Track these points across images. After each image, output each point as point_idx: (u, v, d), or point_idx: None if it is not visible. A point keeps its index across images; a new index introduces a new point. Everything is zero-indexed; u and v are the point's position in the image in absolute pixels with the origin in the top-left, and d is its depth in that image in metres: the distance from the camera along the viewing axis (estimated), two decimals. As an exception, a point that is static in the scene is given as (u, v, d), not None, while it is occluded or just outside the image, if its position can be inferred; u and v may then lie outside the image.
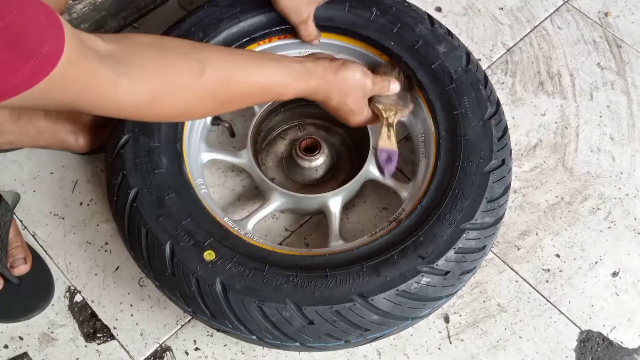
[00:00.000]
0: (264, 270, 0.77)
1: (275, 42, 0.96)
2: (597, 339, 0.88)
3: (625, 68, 1.10)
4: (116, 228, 0.87)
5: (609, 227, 0.96)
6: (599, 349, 0.88)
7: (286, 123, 1.03)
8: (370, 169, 0.91)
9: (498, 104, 0.90)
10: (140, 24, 1.16)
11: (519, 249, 0.94)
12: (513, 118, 1.05)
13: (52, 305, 0.90)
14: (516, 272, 0.93)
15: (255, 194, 0.99)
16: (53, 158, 1.02)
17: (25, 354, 0.87)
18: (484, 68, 1.10)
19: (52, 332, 0.89)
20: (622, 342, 0.88)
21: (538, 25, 1.16)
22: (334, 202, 0.91)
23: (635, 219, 0.97)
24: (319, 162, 0.96)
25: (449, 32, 0.95)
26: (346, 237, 0.90)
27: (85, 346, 0.88)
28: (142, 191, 0.82)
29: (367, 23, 0.94)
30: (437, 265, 0.78)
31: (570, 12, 1.17)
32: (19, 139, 0.96)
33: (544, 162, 1.02)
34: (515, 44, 1.13)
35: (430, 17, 0.96)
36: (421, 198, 0.84)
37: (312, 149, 0.96)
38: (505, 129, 0.88)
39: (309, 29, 0.92)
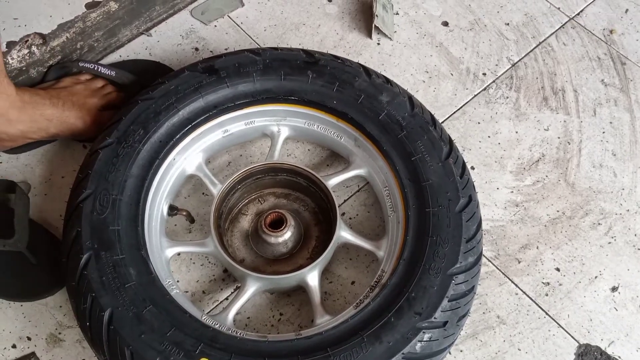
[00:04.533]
0: None
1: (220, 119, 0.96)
2: (595, 353, 0.89)
3: (629, 85, 1.12)
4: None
5: (609, 243, 0.97)
6: (596, 363, 0.89)
7: (245, 198, 1.00)
8: (342, 234, 0.90)
9: (451, 142, 0.90)
10: (153, 32, 1.18)
11: (519, 262, 0.96)
12: (517, 132, 1.07)
13: (60, 307, 0.92)
14: (516, 285, 0.94)
15: (225, 277, 0.96)
16: (64, 162, 1.04)
17: (33, 354, 0.89)
18: (488, 82, 1.12)
19: (59, 333, 0.91)
20: (619, 357, 0.89)
21: (543, 41, 1.17)
22: (312, 276, 0.88)
23: (635, 235, 0.98)
24: (287, 236, 0.92)
25: (387, 80, 0.96)
26: (329, 309, 0.88)
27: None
28: (117, 310, 0.77)
29: (305, 87, 0.94)
30: (435, 318, 0.77)
31: (576, 29, 1.18)
32: (29, 129, 0.98)
33: (546, 176, 1.03)
34: (520, 59, 1.15)
35: (365, 68, 0.96)
36: (400, 252, 0.82)
37: (278, 223, 0.92)
38: (464, 166, 0.88)
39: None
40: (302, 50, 0.98)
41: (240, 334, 0.81)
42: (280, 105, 0.97)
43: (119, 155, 0.89)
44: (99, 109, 1.03)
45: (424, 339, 0.76)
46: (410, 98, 0.93)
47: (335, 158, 1.05)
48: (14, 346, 0.90)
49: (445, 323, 0.77)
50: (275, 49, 0.99)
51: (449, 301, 0.78)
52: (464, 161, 0.89)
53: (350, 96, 0.93)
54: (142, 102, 0.93)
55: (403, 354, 0.75)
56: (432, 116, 0.92)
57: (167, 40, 1.17)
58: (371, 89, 0.93)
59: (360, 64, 0.97)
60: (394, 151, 0.89)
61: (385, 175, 0.91)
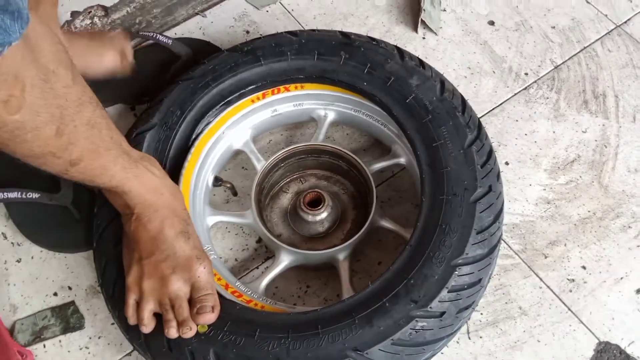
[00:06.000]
0: (254, 336, 0.77)
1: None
2: (614, 351, 0.90)
3: (672, 95, 1.12)
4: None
5: (638, 246, 0.98)
6: (615, 361, 0.90)
7: (287, 177, 1.03)
8: (376, 218, 0.92)
9: (479, 128, 0.89)
10: (208, 14, 1.24)
11: (546, 257, 0.97)
12: (554, 132, 1.08)
13: (101, 261, 0.97)
14: (541, 279, 0.95)
15: (257, 247, 1.00)
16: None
17: (73, 302, 0.95)
18: (529, 82, 1.14)
19: (98, 286, 0.96)
20: (638, 357, 0.89)
21: (588, 46, 1.18)
22: (343, 255, 0.91)
23: (665, 241, 0.98)
24: (324, 215, 0.95)
25: (421, 63, 0.96)
26: (356, 286, 0.90)
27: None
28: None
29: (337, 67, 0.96)
30: (431, 308, 0.76)
31: (622, 37, 1.19)
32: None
33: (580, 177, 1.04)
34: (563, 62, 1.16)
35: (399, 50, 0.97)
36: (410, 238, 0.83)
37: (316, 203, 0.95)
38: (490, 153, 0.87)
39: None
40: (340, 32, 1.01)
41: (247, 294, 0.86)
42: (311, 89, 1.00)
43: (160, 138, 0.94)
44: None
45: (417, 327, 0.76)
46: (443, 82, 0.93)
47: (373, 143, 1.08)
48: (55, 294, 0.96)
49: (442, 314, 0.77)
50: (314, 30, 1.03)
51: (448, 292, 0.78)
52: (490, 150, 0.89)
53: (380, 78, 0.94)
54: (182, 83, 0.98)
55: (392, 339, 0.75)
56: (463, 101, 0.92)
57: (220, 21, 1.22)
58: (402, 72, 0.94)
59: (395, 46, 0.99)
60: (417, 135, 0.89)
61: (409, 160, 0.93)
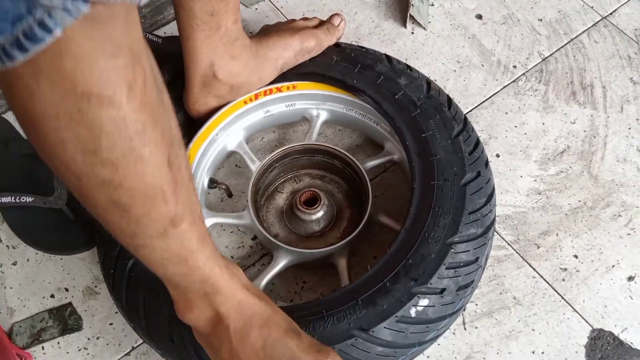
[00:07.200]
0: None
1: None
2: (608, 338, 0.92)
3: (658, 84, 1.14)
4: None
5: (629, 234, 0.99)
6: (608, 347, 0.91)
7: (281, 177, 1.04)
8: (372, 215, 0.93)
9: (465, 122, 0.93)
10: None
11: (538, 247, 0.98)
12: (543, 124, 1.10)
13: (97, 261, 0.97)
14: (534, 269, 0.97)
15: (252, 245, 1.00)
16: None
17: (70, 304, 0.95)
18: (518, 75, 1.15)
19: (95, 287, 0.96)
20: (632, 343, 0.91)
21: (575, 38, 1.19)
22: (341, 253, 0.92)
23: (655, 228, 1.00)
24: (320, 214, 0.96)
25: (408, 67, 1.00)
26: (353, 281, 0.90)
27: (124, 302, 0.95)
28: (139, 262, 0.70)
29: (329, 67, 1.00)
30: (431, 284, 0.79)
31: (608, 28, 1.20)
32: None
33: (570, 167, 1.05)
34: (551, 54, 1.18)
35: (387, 56, 1.01)
36: (404, 222, 0.85)
37: (312, 202, 0.96)
38: (477, 143, 0.91)
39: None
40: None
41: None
42: (315, 89, 1.02)
43: None
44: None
45: (419, 304, 0.78)
46: (429, 82, 0.97)
47: (364, 141, 1.09)
48: (52, 296, 0.96)
49: (443, 290, 0.79)
50: None
51: (446, 269, 0.80)
52: (477, 141, 0.91)
53: (370, 77, 0.97)
54: (172, 83, 0.98)
55: (396, 316, 0.77)
56: (448, 99, 0.95)
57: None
58: (390, 73, 0.98)
59: (384, 53, 1.02)
60: (406, 128, 0.92)
61: (399, 153, 0.95)
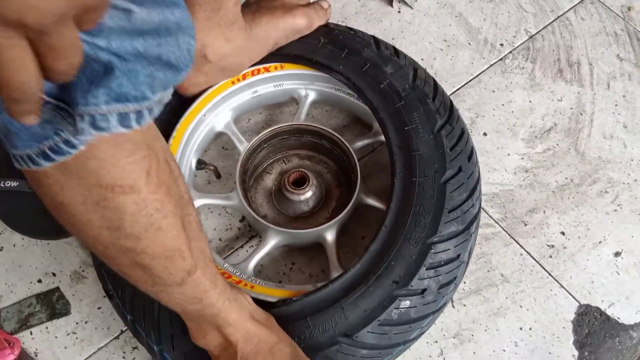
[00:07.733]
0: None
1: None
2: (595, 313, 0.92)
3: (644, 61, 1.14)
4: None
5: (615, 210, 1.00)
6: (595, 323, 0.92)
7: (270, 158, 1.03)
8: (361, 196, 0.93)
9: (450, 112, 0.91)
10: None
11: (525, 225, 0.99)
12: (530, 102, 1.09)
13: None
14: (521, 246, 0.97)
15: (241, 227, 1.00)
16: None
17: (57, 288, 0.94)
18: (505, 53, 1.15)
19: (82, 271, 0.96)
20: (618, 318, 0.92)
21: (562, 15, 1.19)
22: (330, 233, 0.92)
23: (641, 204, 1.00)
24: (308, 195, 0.96)
25: (396, 52, 0.97)
26: (342, 261, 0.92)
27: (112, 286, 0.95)
28: None
29: (316, 49, 0.97)
30: (411, 286, 0.79)
31: (594, 5, 1.20)
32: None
33: (557, 145, 1.05)
34: (538, 32, 1.17)
35: (376, 40, 0.98)
36: (384, 219, 0.84)
37: (300, 182, 0.96)
38: (460, 136, 0.89)
39: None
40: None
41: (258, 282, 0.86)
42: (302, 69, 1.00)
43: None
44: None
45: (400, 307, 0.79)
46: (416, 70, 0.95)
47: (352, 120, 1.08)
48: (39, 281, 0.95)
49: (423, 291, 0.80)
50: None
51: (427, 269, 0.80)
52: (461, 132, 0.90)
53: (356, 63, 0.95)
54: None
55: (379, 320, 0.78)
56: (434, 87, 0.93)
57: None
58: (377, 59, 0.95)
59: (372, 36, 1.00)
60: (389, 120, 0.90)
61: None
